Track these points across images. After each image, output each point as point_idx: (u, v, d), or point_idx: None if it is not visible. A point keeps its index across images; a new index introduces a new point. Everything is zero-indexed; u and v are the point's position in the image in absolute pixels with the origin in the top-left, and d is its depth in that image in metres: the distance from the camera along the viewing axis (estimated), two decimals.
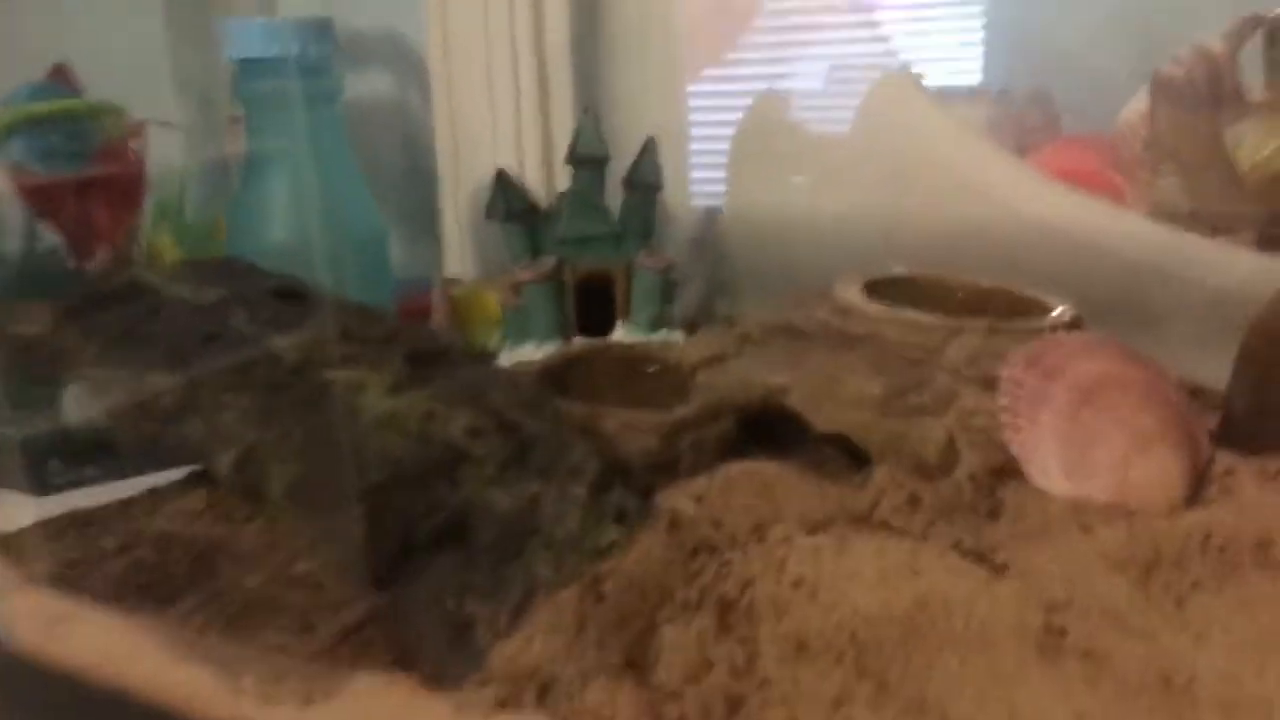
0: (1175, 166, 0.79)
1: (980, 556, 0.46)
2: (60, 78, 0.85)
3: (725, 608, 0.42)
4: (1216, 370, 0.55)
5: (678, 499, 0.53)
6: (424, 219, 1.01)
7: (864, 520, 0.50)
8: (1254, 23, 0.77)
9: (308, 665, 0.38)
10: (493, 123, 0.88)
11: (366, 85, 1.06)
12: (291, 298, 0.54)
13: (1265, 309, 0.52)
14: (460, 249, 0.97)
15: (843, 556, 0.45)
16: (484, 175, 0.79)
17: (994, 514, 0.50)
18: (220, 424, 0.42)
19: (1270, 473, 0.49)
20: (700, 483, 0.54)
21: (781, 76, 0.95)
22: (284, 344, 0.48)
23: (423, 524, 0.40)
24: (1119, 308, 0.66)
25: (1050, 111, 0.97)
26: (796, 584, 0.43)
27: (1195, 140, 0.77)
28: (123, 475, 0.57)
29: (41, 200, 0.81)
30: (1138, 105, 0.83)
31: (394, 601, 0.38)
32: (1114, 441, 0.50)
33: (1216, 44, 0.77)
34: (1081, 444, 0.51)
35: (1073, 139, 0.94)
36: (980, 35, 1.01)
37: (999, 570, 0.45)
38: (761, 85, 0.90)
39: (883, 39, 1.03)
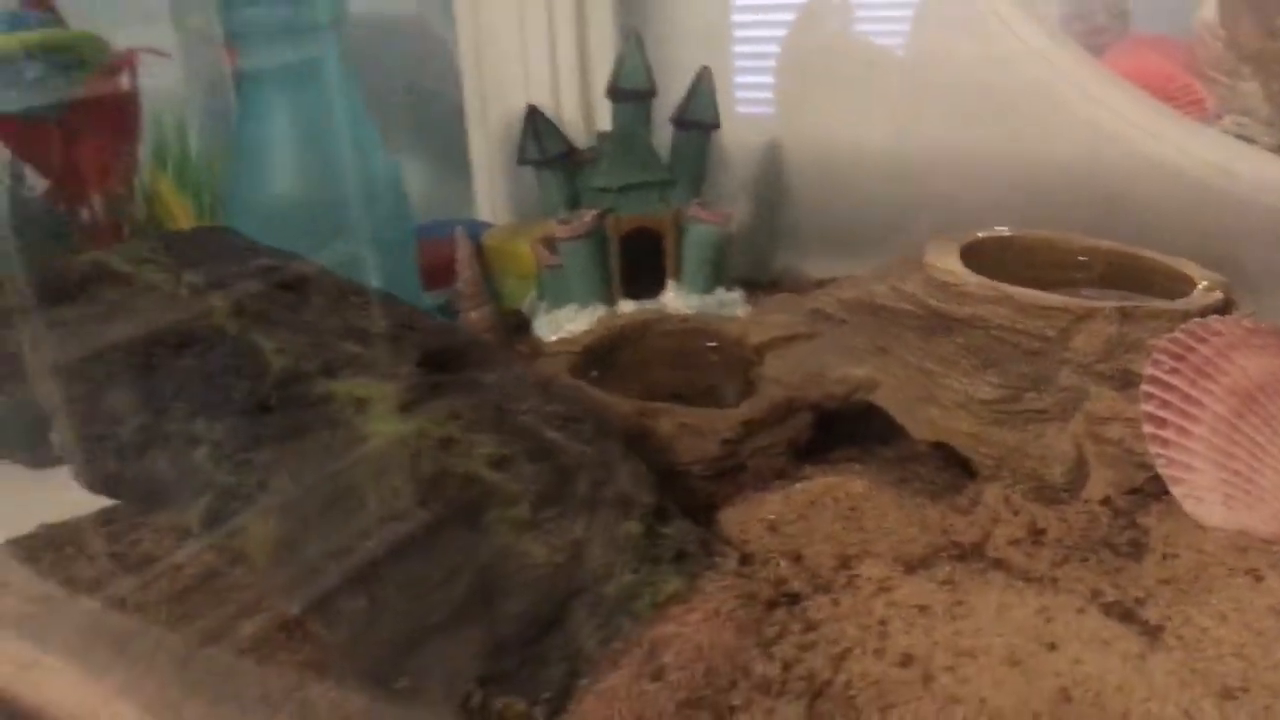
0: (1255, 69, 0.72)
1: (1127, 613, 0.37)
2: (39, 4, 0.75)
3: (816, 692, 0.34)
4: None
5: (748, 522, 0.45)
6: (456, 156, 0.91)
7: (975, 554, 0.42)
8: None
9: None
10: (523, 49, 0.77)
11: (384, 3, 0.95)
12: (283, 278, 0.45)
13: None
14: (491, 189, 0.87)
15: (957, 620, 0.36)
16: (514, 109, 0.69)
17: (1136, 549, 0.41)
18: (189, 463, 0.34)
19: None
20: (774, 502, 0.46)
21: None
22: (270, 346, 0.39)
23: (437, 595, 0.32)
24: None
25: (1119, 8, 0.88)
26: (904, 663, 0.34)
27: (1275, 41, 0.71)
28: None
29: (21, 142, 0.72)
30: (1215, 4, 0.75)
31: (403, 699, 0.31)
32: None
33: None
34: (1244, 463, 0.42)
35: (1143, 39, 0.85)
36: None
37: (1153, 633, 0.36)
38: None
39: None
